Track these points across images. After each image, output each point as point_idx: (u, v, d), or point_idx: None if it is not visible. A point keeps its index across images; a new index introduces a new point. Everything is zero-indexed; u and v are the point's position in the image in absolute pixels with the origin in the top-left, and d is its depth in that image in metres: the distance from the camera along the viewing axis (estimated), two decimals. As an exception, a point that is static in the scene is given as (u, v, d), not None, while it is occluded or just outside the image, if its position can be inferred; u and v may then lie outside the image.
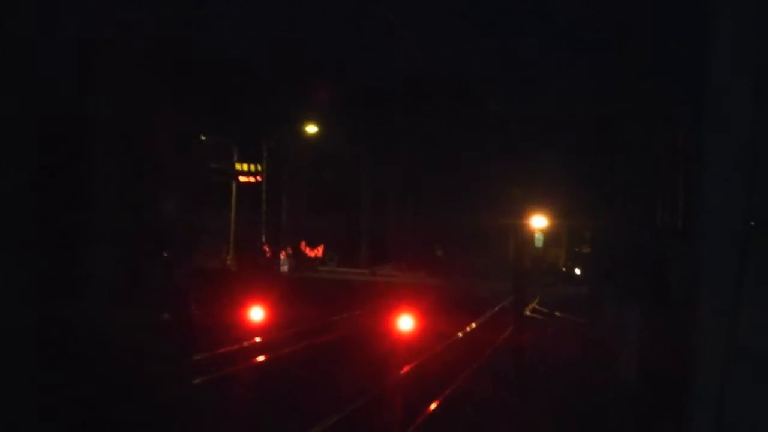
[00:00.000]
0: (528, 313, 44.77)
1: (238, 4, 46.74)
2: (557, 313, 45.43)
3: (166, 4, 36.77)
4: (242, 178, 56.48)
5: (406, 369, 26.49)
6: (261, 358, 28.17)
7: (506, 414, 20.22)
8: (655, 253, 24.30)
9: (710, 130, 4.60)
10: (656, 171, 26.66)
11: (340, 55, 56.28)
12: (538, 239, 74.87)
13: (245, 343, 30.61)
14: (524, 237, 55.86)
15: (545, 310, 47.37)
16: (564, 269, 75.25)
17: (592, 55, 34.77)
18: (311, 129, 58.10)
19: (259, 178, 56.91)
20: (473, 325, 39.02)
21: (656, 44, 23.80)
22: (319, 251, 64.23)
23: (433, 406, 20.78)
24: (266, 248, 57.84)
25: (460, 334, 36.00)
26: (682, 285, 22.56)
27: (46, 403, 18.79)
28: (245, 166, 56.10)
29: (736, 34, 4.53)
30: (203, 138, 51.51)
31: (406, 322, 35.45)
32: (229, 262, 53.40)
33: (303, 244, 63.66)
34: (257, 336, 32.33)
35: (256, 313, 35.69)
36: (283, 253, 60.76)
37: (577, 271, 71.28)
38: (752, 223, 4.42)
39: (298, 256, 62.63)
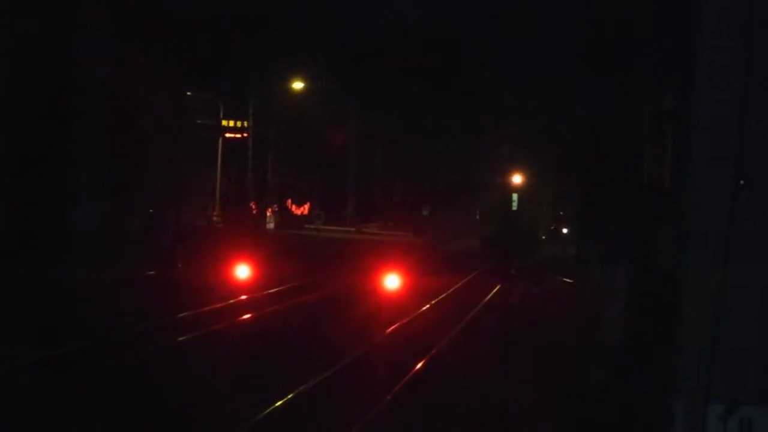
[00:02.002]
0: (514, 272, 44.90)
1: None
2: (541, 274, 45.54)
3: None
4: (228, 135, 56.39)
5: (391, 329, 26.52)
6: (246, 316, 28.18)
7: (492, 375, 20.28)
8: (641, 212, 24.30)
9: (699, 90, 4.57)
10: (643, 131, 26.65)
11: (326, 7, 56.01)
12: (515, 201, 69.19)
13: (231, 301, 30.63)
14: (503, 198, 56.09)
15: (532, 270, 47.49)
16: (545, 235, 74.55)
17: (579, 16, 34.70)
18: (298, 85, 57.90)
19: (245, 135, 56.80)
20: (458, 284, 39.08)
21: (642, 7, 23.72)
22: (305, 209, 64.28)
23: (418, 365, 20.81)
24: (252, 205, 57.80)
25: (445, 294, 36.05)
26: (668, 243, 22.59)
27: (35, 360, 18.79)
28: (231, 123, 56.00)
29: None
30: (189, 94, 51.29)
31: (392, 281, 35.54)
32: (215, 219, 53.36)
33: (289, 201, 63.67)
34: (243, 294, 32.36)
35: (242, 271, 35.74)
36: (269, 210, 60.72)
37: (564, 231, 71.44)
38: (741, 182, 4.38)
39: (284, 213, 62.62)
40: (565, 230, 71.36)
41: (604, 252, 24.25)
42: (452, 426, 16.18)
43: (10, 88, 31.82)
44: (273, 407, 15.97)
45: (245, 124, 56.09)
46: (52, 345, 20.25)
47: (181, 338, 23.14)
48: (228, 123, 55.68)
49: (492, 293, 36.27)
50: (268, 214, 59.93)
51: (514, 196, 68.89)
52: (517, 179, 66.68)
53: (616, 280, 20.58)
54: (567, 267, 44.14)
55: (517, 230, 61.39)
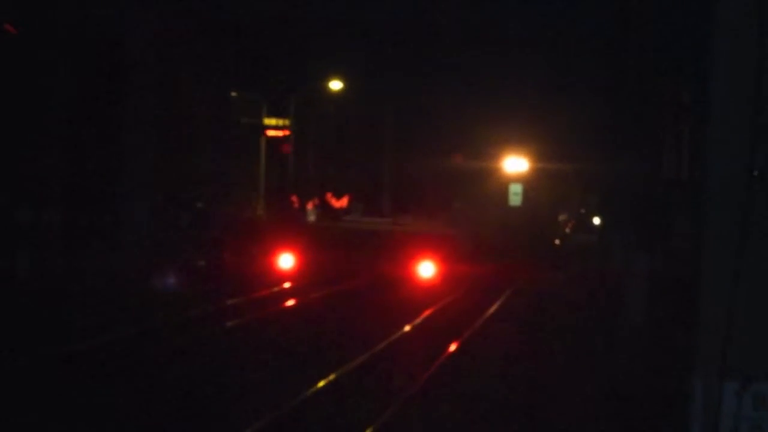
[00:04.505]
0: (540, 260, 44.83)
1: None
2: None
3: None
4: (271, 132, 56.38)
5: (427, 312, 26.56)
6: (290, 302, 28.31)
7: (525, 351, 20.32)
8: (661, 203, 24.28)
9: (714, 82, 4.60)
10: (663, 125, 26.60)
11: (362, 12, 55.92)
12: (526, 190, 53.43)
13: (275, 289, 30.78)
14: (527, 191, 52.66)
15: (558, 257, 47.42)
16: (572, 224, 69.89)
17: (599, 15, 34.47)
18: (335, 85, 57.94)
19: (286, 132, 56.88)
20: (488, 271, 39.04)
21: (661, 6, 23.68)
22: (344, 202, 64.14)
23: (451, 347, 20.86)
24: (294, 199, 57.85)
25: (476, 280, 36.06)
26: (686, 230, 22.60)
27: (91, 345, 18.97)
28: (274, 121, 56.02)
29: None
30: (234, 94, 51.48)
31: (426, 269, 35.59)
32: (259, 213, 53.45)
33: (329, 195, 63.60)
34: (286, 282, 32.50)
35: (285, 261, 35.88)
36: (310, 203, 60.76)
37: (596, 221, 66.65)
38: (755, 173, 4.43)
39: (324, 206, 62.61)
40: (597, 220, 66.09)
41: (627, 239, 24.22)
42: (488, 384, 16.28)
43: (70, 92, 32.07)
44: (315, 388, 16.07)
45: (287, 122, 56.18)
46: (111, 330, 20.47)
47: (230, 323, 23.31)
48: (270, 121, 55.74)
49: (520, 279, 36.23)
50: (309, 207, 60.00)
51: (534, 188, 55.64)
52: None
53: (638, 265, 20.58)
54: (592, 254, 43.96)
55: (539, 221, 52.70)
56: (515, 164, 50.54)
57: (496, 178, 51.40)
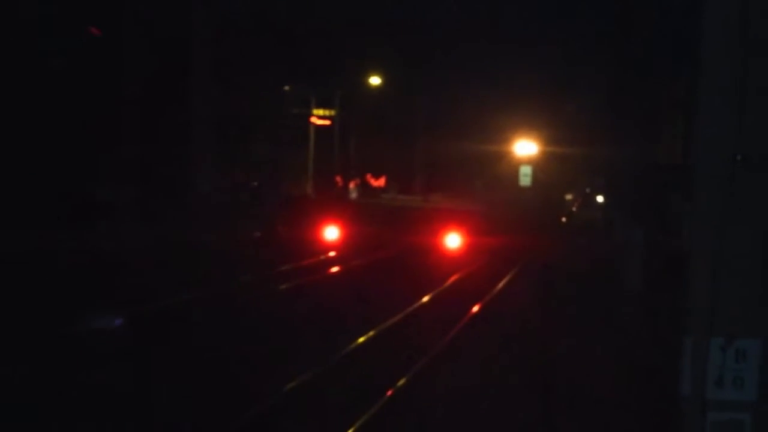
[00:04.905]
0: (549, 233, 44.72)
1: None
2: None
3: None
4: (318, 121, 56.53)
5: (454, 278, 26.63)
6: (334, 269, 28.43)
7: (537, 307, 20.38)
8: (657, 184, 24.24)
9: (703, 76, 4.64)
10: (659, 117, 26.52)
11: (395, 13, 55.65)
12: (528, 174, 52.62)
13: (321, 257, 30.90)
14: (539, 171, 51.54)
15: (565, 231, 47.26)
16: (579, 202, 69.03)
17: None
18: (374, 80, 58.04)
19: (331, 122, 57.01)
20: (506, 243, 39.02)
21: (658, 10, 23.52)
22: (381, 181, 64.28)
23: (475, 308, 20.93)
24: (338, 179, 58.00)
25: (496, 249, 36.06)
26: (678, 207, 22.54)
27: (166, 306, 19.18)
28: (321, 111, 56.14)
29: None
30: (287, 88, 51.66)
31: (453, 240, 35.65)
32: (308, 191, 53.65)
33: (368, 175, 63.74)
34: (331, 251, 32.61)
35: (330, 232, 36.02)
36: (352, 183, 60.90)
37: (599, 199, 66.23)
38: (738, 157, 4.49)
39: (364, 185, 62.76)
40: (600, 199, 65.47)
41: (626, 215, 24.20)
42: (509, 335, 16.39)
43: (144, 88, 32.25)
44: (356, 343, 16.19)
45: (332, 112, 56.30)
46: (183, 292, 20.66)
47: (282, 286, 23.45)
48: (318, 112, 55.86)
49: (533, 250, 36.21)
50: (351, 186, 60.12)
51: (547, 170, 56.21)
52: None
53: (636, 238, 20.58)
54: (597, 228, 43.84)
55: (547, 200, 52.35)
56: (525, 148, 49.70)
57: (507, 161, 50.70)
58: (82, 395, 12.33)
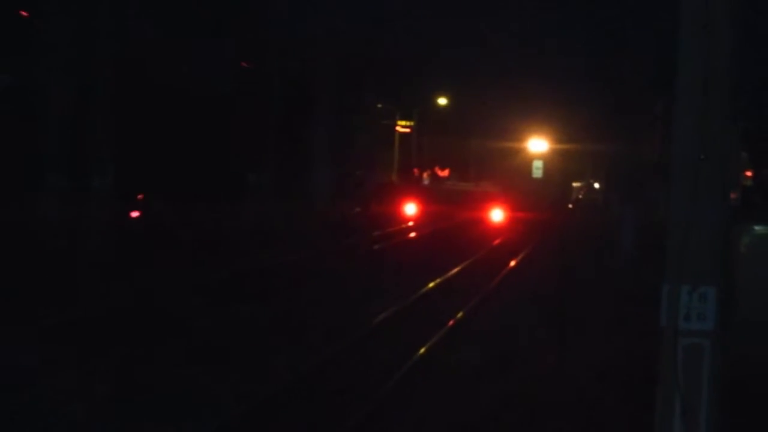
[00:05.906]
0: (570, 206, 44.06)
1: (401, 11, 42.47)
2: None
3: (355, 16, 35.52)
4: (401, 129, 56.45)
5: (496, 242, 26.54)
6: (412, 234, 28.50)
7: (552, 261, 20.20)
8: (642, 175, 23.94)
9: (676, 101, 4.61)
10: (643, 125, 26.07)
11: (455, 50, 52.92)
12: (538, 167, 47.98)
13: (402, 226, 31.00)
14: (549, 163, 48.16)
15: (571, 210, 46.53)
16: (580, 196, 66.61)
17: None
18: (442, 101, 57.77)
19: (410, 129, 56.92)
20: (534, 218, 38.49)
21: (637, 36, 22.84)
22: (446, 172, 63.97)
23: (512, 263, 20.85)
24: (415, 171, 57.96)
25: (529, 222, 35.76)
26: (658, 191, 22.18)
27: (286, 261, 19.27)
28: (403, 122, 56.00)
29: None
30: (379, 105, 51.67)
31: (497, 215, 35.46)
32: (393, 179, 53.72)
33: (437, 167, 63.50)
34: (409, 222, 32.69)
35: (410, 208, 36.11)
36: (425, 173, 60.82)
37: (596, 185, 64.07)
38: (702, 157, 4.44)
39: (433, 175, 62.58)
40: (596, 185, 63.48)
41: (621, 197, 23.86)
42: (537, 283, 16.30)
43: (279, 110, 32.19)
44: (427, 287, 16.23)
45: (411, 122, 56.16)
46: (301, 250, 20.74)
47: (375, 247, 23.57)
48: (401, 122, 55.72)
49: (549, 225, 35.77)
50: (424, 176, 60.02)
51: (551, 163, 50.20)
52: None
53: (628, 213, 20.32)
54: (596, 209, 42.97)
55: (555, 189, 47.18)
56: (537, 145, 46.57)
57: (522, 156, 47.60)
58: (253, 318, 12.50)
